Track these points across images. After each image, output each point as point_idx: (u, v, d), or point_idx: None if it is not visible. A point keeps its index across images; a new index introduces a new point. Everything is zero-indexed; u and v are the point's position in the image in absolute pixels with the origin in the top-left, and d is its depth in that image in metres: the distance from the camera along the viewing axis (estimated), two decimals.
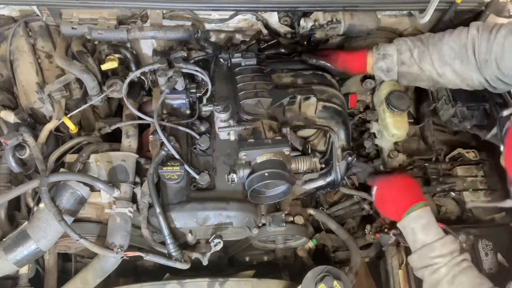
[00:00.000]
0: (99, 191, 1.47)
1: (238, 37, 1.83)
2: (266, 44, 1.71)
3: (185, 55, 1.60)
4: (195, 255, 1.54)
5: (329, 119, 1.56)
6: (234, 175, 1.33)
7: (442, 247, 1.36)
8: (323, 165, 1.62)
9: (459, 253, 1.36)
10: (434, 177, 1.80)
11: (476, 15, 1.63)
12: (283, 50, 1.73)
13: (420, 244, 1.41)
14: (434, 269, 1.36)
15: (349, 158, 1.56)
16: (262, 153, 1.33)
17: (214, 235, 1.54)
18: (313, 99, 1.50)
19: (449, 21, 1.65)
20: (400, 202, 1.48)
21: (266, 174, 1.29)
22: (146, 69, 1.55)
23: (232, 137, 1.40)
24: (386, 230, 1.68)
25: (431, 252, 1.37)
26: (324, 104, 1.54)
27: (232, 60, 1.61)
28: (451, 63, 1.45)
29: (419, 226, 1.42)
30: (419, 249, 1.41)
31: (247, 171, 1.33)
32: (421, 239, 1.41)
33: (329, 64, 1.61)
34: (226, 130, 1.39)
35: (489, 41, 1.36)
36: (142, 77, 1.70)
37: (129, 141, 1.59)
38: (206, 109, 1.45)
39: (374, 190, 1.60)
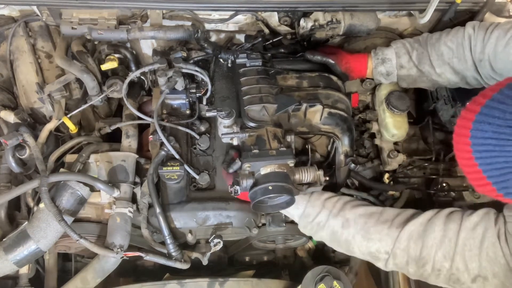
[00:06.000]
0: (99, 191, 1.47)
1: (238, 37, 1.83)
2: (271, 41, 1.69)
3: (185, 55, 1.59)
4: (195, 255, 1.54)
5: (334, 126, 1.54)
6: (238, 187, 1.31)
7: (312, 208, 1.42)
8: (327, 178, 1.61)
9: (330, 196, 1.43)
10: (434, 177, 1.81)
11: (476, 14, 1.63)
12: (282, 50, 1.72)
13: (297, 217, 1.46)
14: (321, 226, 1.40)
15: (352, 165, 1.56)
16: (266, 164, 1.30)
17: (214, 235, 1.54)
18: (318, 107, 1.48)
19: (449, 21, 1.65)
20: None
21: (270, 187, 1.27)
22: (146, 69, 1.55)
23: (235, 142, 1.39)
24: None
25: (307, 218, 1.43)
26: (330, 111, 1.51)
27: (237, 60, 1.57)
28: (450, 62, 1.46)
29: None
30: (298, 221, 1.46)
31: (250, 182, 1.31)
32: (295, 214, 1.46)
33: (333, 62, 1.59)
34: (229, 136, 1.37)
35: (484, 42, 1.37)
36: (142, 77, 1.70)
37: (129, 141, 1.59)
38: (209, 114, 1.42)
39: None
